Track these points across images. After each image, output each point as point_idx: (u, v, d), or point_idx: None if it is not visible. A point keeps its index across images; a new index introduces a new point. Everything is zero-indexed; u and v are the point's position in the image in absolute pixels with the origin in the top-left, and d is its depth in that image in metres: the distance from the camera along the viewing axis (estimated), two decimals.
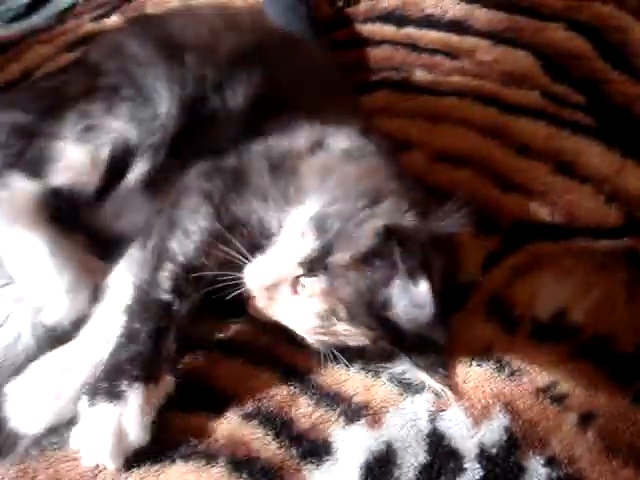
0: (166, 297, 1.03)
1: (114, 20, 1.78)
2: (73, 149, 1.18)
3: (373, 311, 0.99)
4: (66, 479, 1.00)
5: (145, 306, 1.03)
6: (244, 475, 0.98)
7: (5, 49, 1.73)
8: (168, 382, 1.01)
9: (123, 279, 1.08)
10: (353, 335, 0.99)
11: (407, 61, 1.61)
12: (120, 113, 1.20)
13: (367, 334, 0.99)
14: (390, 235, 0.98)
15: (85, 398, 0.98)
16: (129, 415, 0.97)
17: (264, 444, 1.01)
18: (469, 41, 1.63)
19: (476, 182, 1.32)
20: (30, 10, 1.90)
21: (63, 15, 1.87)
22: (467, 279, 1.16)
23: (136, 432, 0.97)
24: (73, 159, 1.18)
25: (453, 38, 1.64)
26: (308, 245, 1.00)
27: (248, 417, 1.04)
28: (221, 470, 0.98)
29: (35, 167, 1.17)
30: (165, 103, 1.21)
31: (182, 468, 0.99)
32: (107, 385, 0.98)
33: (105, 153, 1.18)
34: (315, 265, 1.00)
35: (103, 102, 1.20)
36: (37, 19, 1.87)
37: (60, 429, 1.02)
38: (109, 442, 0.95)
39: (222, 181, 1.09)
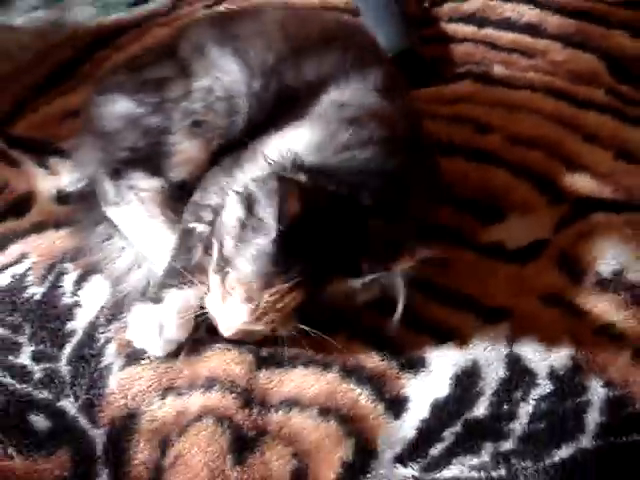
0: (191, 225, 1.27)
1: (224, 8, 1.99)
2: (186, 144, 1.36)
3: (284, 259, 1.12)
4: (205, 373, 1.21)
5: (180, 234, 1.28)
6: (353, 379, 1.19)
7: (127, 30, 1.95)
8: (200, 289, 1.21)
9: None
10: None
11: (487, 57, 1.81)
12: (218, 110, 1.38)
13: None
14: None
15: (137, 303, 1.24)
16: (166, 314, 1.20)
17: (370, 357, 1.22)
18: (542, 43, 1.83)
19: (547, 162, 1.52)
20: None
21: (178, 1, 2.07)
22: (540, 237, 1.35)
23: (171, 328, 1.20)
24: (188, 154, 1.37)
25: (528, 39, 1.85)
26: (214, 254, 1.18)
27: (356, 336, 1.25)
28: (335, 375, 1.20)
29: (155, 165, 1.37)
30: (245, 102, 1.38)
31: (302, 372, 1.20)
32: (153, 293, 1.23)
33: (214, 146, 1.38)
34: (221, 265, 1.16)
35: (203, 102, 1.38)
36: (154, 4, 2.08)
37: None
38: (150, 334, 1.21)
39: None
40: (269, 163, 1.15)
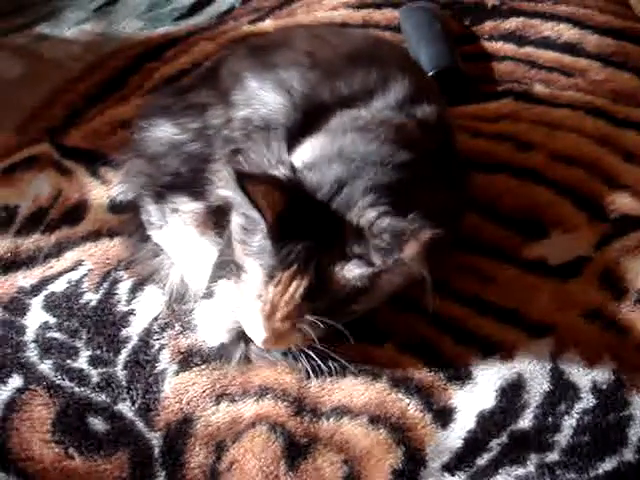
0: None
1: (268, 24, 2.04)
2: (249, 152, 1.36)
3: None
4: (257, 382, 1.26)
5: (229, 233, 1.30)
6: (402, 390, 1.24)
7: (175, 43, 2.00)
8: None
9: None
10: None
11: (527, 76, 1.84)
12: (258, 140, 1.39)
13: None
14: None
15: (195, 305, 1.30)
16: (218, 305, 1.26)
17: (418, 368, 1.26)
18: (582, 62, 1.86)
19: (588, 180, 1.55)
20: (193, 11, 2.17)
21: (223, 16, 2.13)
22: (582, 253, 1.39)
23: (225, 315, 1.26)
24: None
25: (568, 58, 1.87)
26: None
27: (404, 348, 1.29)
28: (384, 385, 1.24)
29: (197, 190, 1.41)
30: (284, 131, 1.39)
31: (352, 381, 1.25)
32: (206, 289, 1.29)
33: None
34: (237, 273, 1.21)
35: (242, 130, 1.41)
36: (199, 19, 2.13)
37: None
38: (208, 327, 1.28)
39: None
40: None
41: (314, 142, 1.30)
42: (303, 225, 1.15)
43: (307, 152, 1.28)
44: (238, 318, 1.22)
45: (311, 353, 1.20)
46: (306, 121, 1.36)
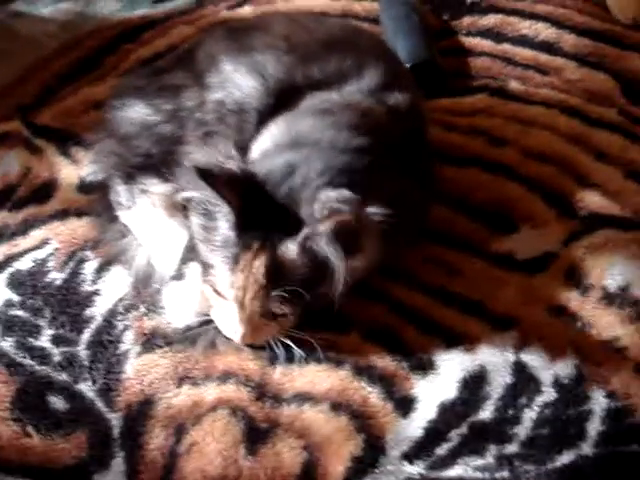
0: None
1: (246, 10, 2.03)
2: (198, 155, 1.36)
3: None
4: (221, 366, 1.25)
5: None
6: (364, 378, 1.23)
7: (154, 25, 1.99)
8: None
9: None
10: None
11: (503, 72, 1.84)
12: (229, 122, 1.41)
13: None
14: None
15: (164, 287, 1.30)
16: (188, 287, 1.27)
17: (381, 357, 1.26)
18: (558, 61, 1.86)
19: (559, 177, 1.55)
20: None
21: (202, 1, 2.12)
22: (550, 249, 1.40)
23: (195, 297, 1.27)
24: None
25: (544, 57, 1.88)
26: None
27: (368, 336, 1.29)
28: (347, 372, 1.24)
29: (167, 172, 1.40)
30: (256, 114, 1.41)
31: (315, 368, 1.24)
32: (175, 272, 1.29)
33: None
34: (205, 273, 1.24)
35: (215, 113, 1.42)
36: (178, 2, 2.12)
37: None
38: (178, 309, 1.28)
39: None
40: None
41: (273, 129, 1.31)
42: (260, 213, 1.17)
43: (266, 141, 1.30)
44: (213, 319, 1.24)
45: (287, 341, 1.22)
46: (277, 104, 1.35)
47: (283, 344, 1.23)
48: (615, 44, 1.90)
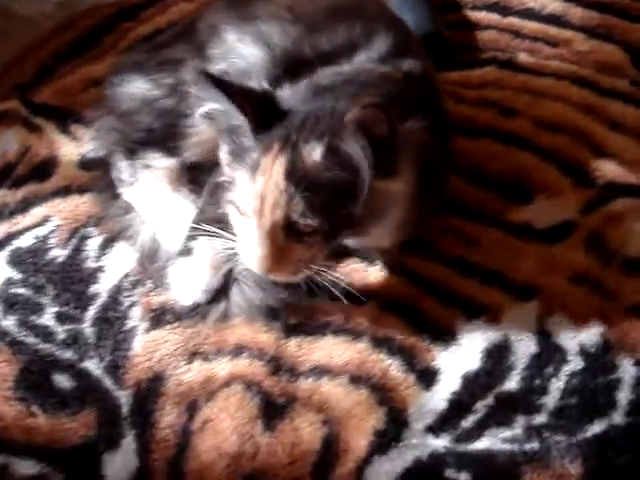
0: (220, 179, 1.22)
1: None
2: (202, 126, 1.33)
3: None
4: (233, 340, 1.20)
5: (209, 188, 1.30)
6: (384, 350, 1.19)
7: (153, 3, 1.93)
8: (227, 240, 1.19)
9: None
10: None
11: (511, 45, 1.80)
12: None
13: None
14: None
15: (170, 262, 1.24)
16: (196, 263, 1.22)
17: (400, 329, 1.21)
18: (566, 33, 1.82)
19: (573, 147, 1.51)
20: None
21: None
22: (568, 218, 1.36)
23: (204, 275, 1.22)
24: (203, 136, 1.35)
25: (552, 29, 1.84)
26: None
27: (386, 308, 1.24)
28: (365, 345, 1.20)
29: (170, 146, 1.36)
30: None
31: (332, 340, 1.20)
32: (183, 247, 1.24)
33: None
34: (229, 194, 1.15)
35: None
36: None
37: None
38: (186, 285, 1.22)
39: None
40: None
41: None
42: (281, 119, 1.09)
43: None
44: (236, 250, 1.14)
45: (316, 277, 1.11)
46: (286, 77, 1.30)
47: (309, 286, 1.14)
48: (623, 16, 1.86)
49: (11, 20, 1.86)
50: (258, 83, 1.21)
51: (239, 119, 1.07)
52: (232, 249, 1.14)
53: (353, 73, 1.25)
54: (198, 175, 1.36)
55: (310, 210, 1.04)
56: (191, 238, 1.26)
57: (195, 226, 1.25)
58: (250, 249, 1.08)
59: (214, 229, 1.17)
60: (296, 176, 1.04)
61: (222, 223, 1.18)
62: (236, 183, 1.09)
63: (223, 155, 1.13)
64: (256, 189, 1.06)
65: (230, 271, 1.22)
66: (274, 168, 1.05)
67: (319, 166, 1.04)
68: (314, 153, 1.04)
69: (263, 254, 1.06)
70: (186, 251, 1.25)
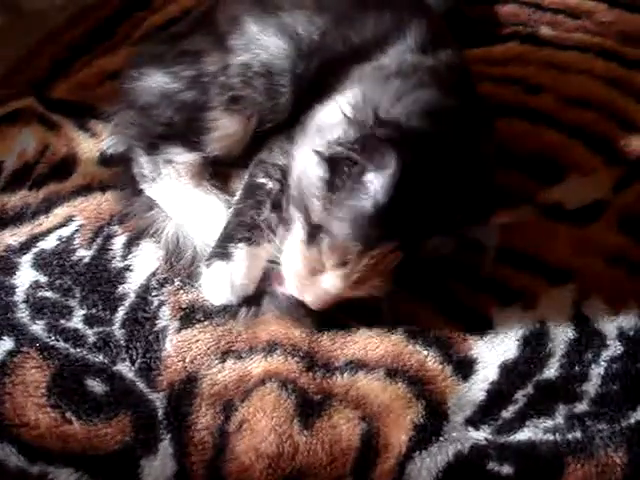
0: (260, 180, 1.26)
1: None
2: (225, 120, 1.32)
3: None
4: (265, 337, 1.18)
5: (247, 189, 1.27)
6: (419, 341, 1.17)
7: None
8: (268, 247, 1.20)
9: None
10: None
11: (532, 18, 1.77)
12: (257, 86, 1.33)
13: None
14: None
15: (204, 261, 1.22)
16: (237, 270, 1.20)
17: (434, 318, 1.19)
18: (588, 4, 1.79)
19: (601, 123, 1.48)
20: None
21: None
22: (599, 197, 1.32)
23: (243, 284, 1.20)
24: (226, 130, 1.34)
25: (572, 0, 1.80)
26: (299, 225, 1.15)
27: (418, 298, 1.22)
28: (399, 337, 1.18)
29: (192, 140, 1.34)
30: (290, 77, 1.34)
31: (366, 333, 1.17)
32: (220, 249, 1.21)
33: (253, 123, 1.34)
34: (312, 234, 1.10)
35: (241, 77, 1.34)
36: None
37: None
38: (223, 290, 1.20)
39: None
40: (347, 117, 1.11)
41: (351, 95, 1.21)
42: (414, 194, 1.06)
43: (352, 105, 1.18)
44: (291, 279, 1.15)
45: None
46: (319, 71, 1.29)
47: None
48: None
49: (20, 15, 1.82)
50: (283, 77, 1.27)
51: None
52: (277, 262, 1.14)
53: (397, 67, 1.25)
54: (220, 171, 1.34)
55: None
56: (230, 240, 1.23)
57: (235, 230, 1.23)
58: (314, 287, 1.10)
59: (271, 236, 1.19)
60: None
61: (262, 230, 1.19)
62: (331, 234, 1.08)
63: (316, 182, 1.12)
64: (359, 264, 1.07)
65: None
66: (390, 257, 1.07)
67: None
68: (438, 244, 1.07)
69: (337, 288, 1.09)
70: (225, 255, 1.22)
